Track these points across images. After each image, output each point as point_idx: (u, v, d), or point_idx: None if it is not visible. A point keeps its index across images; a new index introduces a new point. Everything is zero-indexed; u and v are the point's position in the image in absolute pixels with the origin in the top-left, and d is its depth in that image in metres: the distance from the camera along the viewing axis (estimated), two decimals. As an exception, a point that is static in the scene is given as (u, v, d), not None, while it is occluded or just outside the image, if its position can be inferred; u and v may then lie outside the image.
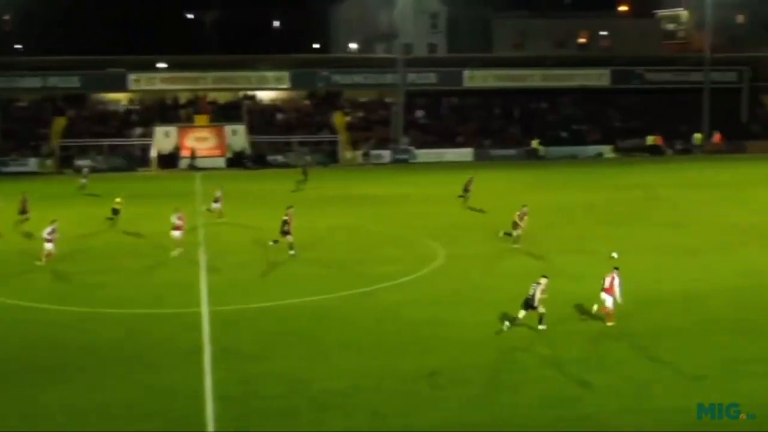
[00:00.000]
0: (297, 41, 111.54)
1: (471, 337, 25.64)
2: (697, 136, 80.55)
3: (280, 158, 75.22)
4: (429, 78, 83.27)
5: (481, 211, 47.22)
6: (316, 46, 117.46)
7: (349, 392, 21.34)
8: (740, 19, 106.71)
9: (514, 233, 37.89)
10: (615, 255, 29.90)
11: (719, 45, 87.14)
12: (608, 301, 26.10)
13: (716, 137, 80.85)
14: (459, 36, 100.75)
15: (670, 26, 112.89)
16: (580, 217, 45.88)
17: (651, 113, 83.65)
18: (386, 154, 77.19)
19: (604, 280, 26.21)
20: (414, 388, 21.49)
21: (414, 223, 44.88)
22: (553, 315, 27.19)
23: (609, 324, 26.21)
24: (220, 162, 75.13)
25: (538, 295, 25.64)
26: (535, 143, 77.88)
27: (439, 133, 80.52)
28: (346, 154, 77.40)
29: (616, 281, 26.03)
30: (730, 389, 21.32)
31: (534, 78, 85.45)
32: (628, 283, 29.13)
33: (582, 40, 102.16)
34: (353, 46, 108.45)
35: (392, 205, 51.27)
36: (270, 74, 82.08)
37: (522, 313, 25.89)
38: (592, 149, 79.15)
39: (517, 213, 38.06)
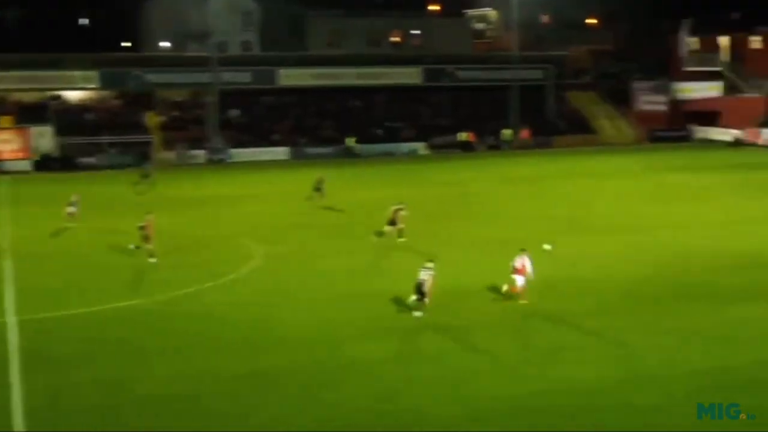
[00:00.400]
0: (106, 39, 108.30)
1: (292, 335, 25.59)
2: (506, 132, 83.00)
3: (89, 160, 72.82)
4: (243, 77, 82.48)
5: (331, 209, 47.21)
6: (126, 44, 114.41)
7: (170, 397, 20.89)
8: (545, 19, 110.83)
9: (387, 229, 38.23)
10: (548, 247, 31.28)
11: (526, 44, 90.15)
12: (519, 281, 28.11)
13: (524, 133, 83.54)
14: (273, 34, 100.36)
15: (480, 25, 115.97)
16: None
17: (463, 110, 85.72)
18: (201, 155, 76.03)
19: (514, 261, 28.16)
20: (237, 390, 21.23)
21: (232, 224, 44.41)
22: (375, 311, 27.55)
23: (522, 302, 28.10)
24: (26, 165, 72.08)
25: (429, 281, 26.70)
26: (350, 141, 78.38)
27: (254, 132, 79.89)
28: (160, 154, 75.74)
29: (527, 262, 28.07)
30: (546, 376, 22.10)
31: (349, 76, 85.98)
32: (446, 277, 29.71)
33: (395, 39, 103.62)
34: (165, 44, 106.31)
35: (209, 206, 50.46)
36: (78, 73, 79.34)
37: (414, 297, 26.90)
38: (406, 146, 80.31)
39: (393, 209, 38.45)
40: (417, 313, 26.89)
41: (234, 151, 76.55)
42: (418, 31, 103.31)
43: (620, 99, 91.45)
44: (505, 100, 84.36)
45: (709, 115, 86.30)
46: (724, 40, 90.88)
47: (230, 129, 79.35)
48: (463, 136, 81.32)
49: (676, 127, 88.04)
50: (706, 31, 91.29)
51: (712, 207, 47.67)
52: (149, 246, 35.19)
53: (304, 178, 60.22)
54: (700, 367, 22.68)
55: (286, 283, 31.96)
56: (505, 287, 28.72)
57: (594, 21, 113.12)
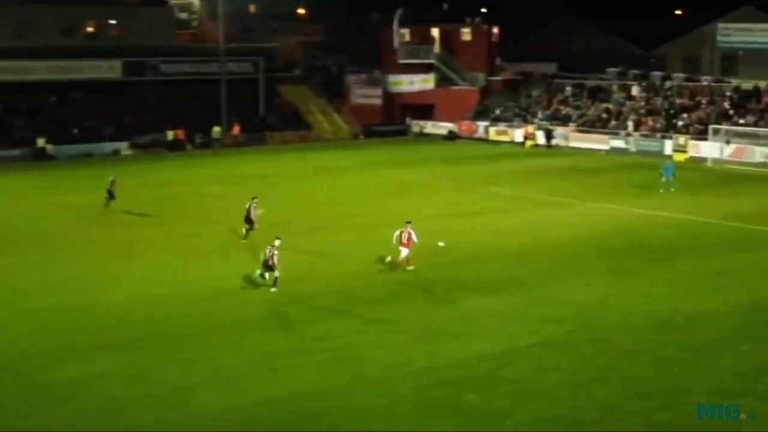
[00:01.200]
0: None
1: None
2: (216, 129, 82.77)
3: None
4: None
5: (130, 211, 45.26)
6: None
7: None
8: (252, 8, 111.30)
9: (255, 227, 38.31)
10: (441, 244, 34.54)
11: (233, 35, 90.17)
12: (404, 252, 32.65)
13: (235, 129, 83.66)
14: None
15: (183, 15, 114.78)
16: (97, 220, 45.33)
17: (169, 106, 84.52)
18: None
19: (400, 235, 32.84)
20: None
21: None
22: (88, 325, 26.92)
23: (410, 268, 32.95)
24: None
25: (276, 257, 29.99)
26: (42, 142, 75.43)
27: (-70, 134, 75.34)
28: None
29: (413, 235, 32.64)
30: (270, 384, 22.49)
31: (39, 70, 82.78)
32: (173, 284, 29.40)
33: (90, 29, 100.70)
34: None
35: None
36: None
37: (259, 272, 30.65)
38: (108, 146, 78.32)
39: (247, 206, 38.53)
40: (273, 289, 30.24)
41: None
42: (115, 21, 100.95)
43: (334, 93, 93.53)
44: (216, 95, 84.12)
45: (424, 108, 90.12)
46: (436, 32, 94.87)
47: None
48: (171, 134, 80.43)
49: (393, 121, 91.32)
50: (418, 23, 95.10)
51: (430, 202, 49.81)
52: None
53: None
54: (424, 365, 23.80)
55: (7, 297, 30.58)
56: (388, 258, 33.20)
57: (303, 11, 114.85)
